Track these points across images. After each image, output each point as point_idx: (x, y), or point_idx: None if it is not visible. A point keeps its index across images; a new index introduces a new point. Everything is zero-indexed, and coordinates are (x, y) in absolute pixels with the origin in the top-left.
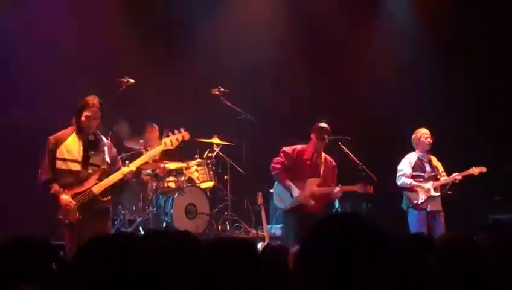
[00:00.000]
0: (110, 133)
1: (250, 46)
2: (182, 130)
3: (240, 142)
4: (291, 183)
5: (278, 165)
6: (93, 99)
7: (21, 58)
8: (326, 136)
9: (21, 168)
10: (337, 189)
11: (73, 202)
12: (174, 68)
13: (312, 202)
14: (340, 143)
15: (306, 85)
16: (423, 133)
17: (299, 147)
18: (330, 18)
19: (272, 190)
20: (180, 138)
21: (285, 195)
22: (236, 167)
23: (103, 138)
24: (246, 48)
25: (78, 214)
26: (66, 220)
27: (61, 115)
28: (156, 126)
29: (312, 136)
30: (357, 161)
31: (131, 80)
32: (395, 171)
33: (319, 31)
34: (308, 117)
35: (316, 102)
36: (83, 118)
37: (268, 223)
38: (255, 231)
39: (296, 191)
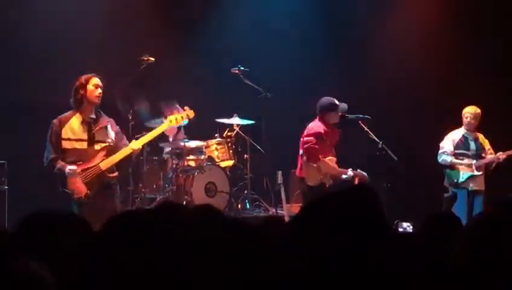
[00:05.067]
0: (131, 112)
1: (269, 24)
2: (186, 108)
3: (259, 121)
4: (335, 166)
5: (317, 146)
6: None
7: (39, 38)
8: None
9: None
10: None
11: (77, 169)
12: (194, 47)
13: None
14: (360, 122)
15: (327, 64)
16: (465, 112)
17: (322, 125)
18: None
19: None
20: (185, 116)
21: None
22: (256, 145)
23: (104, 115)
24: (265, 27)
25: (86, 189)
26: (75, 196)
27: None
28: (179, 108)
29: (326, 111)
30: (377, 140)
31: (152, 59)
32: (418, 151)
33: (338, 8)
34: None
35: (337, 80)
36: (91, 87)
37: (287, 202)
38: (274, 210)
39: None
